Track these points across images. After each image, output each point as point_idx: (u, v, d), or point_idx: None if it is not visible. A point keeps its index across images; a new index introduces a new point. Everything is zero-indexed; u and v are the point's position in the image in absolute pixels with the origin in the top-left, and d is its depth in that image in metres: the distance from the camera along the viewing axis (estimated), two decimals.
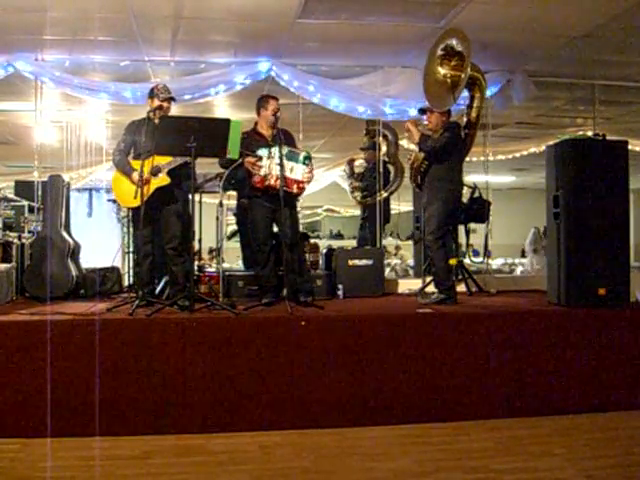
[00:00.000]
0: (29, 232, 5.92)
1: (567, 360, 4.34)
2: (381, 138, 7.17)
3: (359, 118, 6.65)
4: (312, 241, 6.37)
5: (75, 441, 3.69)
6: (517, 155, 9.36)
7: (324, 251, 6.24)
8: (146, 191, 4.49)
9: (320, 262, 6.06)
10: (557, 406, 4.28)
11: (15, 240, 5.56)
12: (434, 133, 5.21)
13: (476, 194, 6.15)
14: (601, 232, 4.60)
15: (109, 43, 5.64)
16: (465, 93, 5.62)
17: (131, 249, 5.62)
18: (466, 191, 5.87)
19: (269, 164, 4.71)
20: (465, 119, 5.88)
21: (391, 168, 7.53)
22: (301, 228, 5.82)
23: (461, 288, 5.79)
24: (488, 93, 6.19)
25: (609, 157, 4.70)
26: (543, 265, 6.33)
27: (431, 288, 5.50)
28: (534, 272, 8.67)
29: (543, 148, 7.27)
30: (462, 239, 6.42)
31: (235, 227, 6.57)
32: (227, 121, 4.43)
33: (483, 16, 5.10)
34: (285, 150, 4.68)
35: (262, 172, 4.71)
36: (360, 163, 8.13)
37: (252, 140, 4.91)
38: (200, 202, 5.64)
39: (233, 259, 8.55)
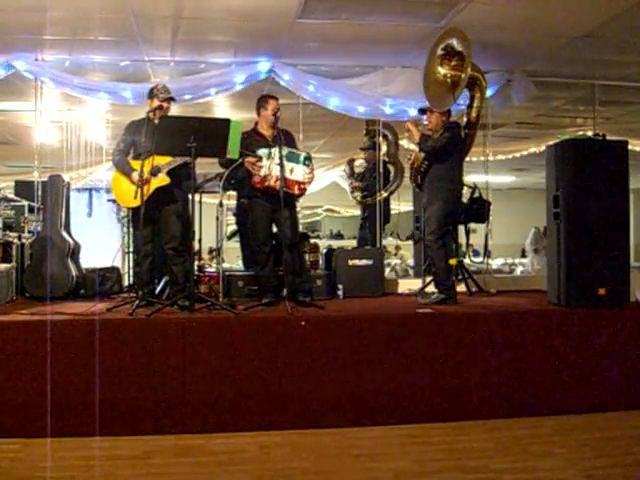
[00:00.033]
0: (29, 232, 5.92)
1: (567, 360, 4.34)
2: (381, 138, 7.17)
3: (359, 118, 6.65)
4: (312, 241, 6.37)
5: (75, 441, 3.70)
6: (517, 155, 9.36)
7: (324, 251, 6.23)
8: (146, 191, 4.49)
9: (320, 262, 6.06)
10: (557, 406, 4.28)
11: (15, 240, 5.56)
12: (434, 133, 5.20)
13: (476, 194, 6.15)
14: (601, 232, 4.60)
15: (109, 43, 5.64)
16: (465, 93, 5.62)
17: (131, 249, 5.62)
18: (466, 191, 5.87)
19: (269, 165, 4.70)
20: (465, 119, 5.88)
21: (391, 168, 7.53)
22: (301, 228, 5.82)
23: (461, 288, 5.79)
24: (488, 93, 6.18)
25: (609, 157, 4.70)
26: (543, 265, 6.33)
27: (431, 288, 5.50)
28: (534, 272, 8.67)
29: (543, 148, 7.26)
30: (462, 239, 6.42)
31: (235, 227, 6.57)
32: (227, 121, 4.43)
33: (483, 16, 5.10)
34: (285, 151, 4.68)
35: (262, 172, 4.71)
36: (360, 163, 8.13)
37: (252, 140, 4.91)
38: (200, 202, 5.64)
39: (233, 259, 8.55)
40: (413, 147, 5.84)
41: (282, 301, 4.54)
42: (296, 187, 4.81)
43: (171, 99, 4.79)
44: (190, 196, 4.64)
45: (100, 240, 7.51)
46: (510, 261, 10.67)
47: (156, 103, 4.72)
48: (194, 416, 3.91)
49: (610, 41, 5.64)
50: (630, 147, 5.11)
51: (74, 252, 5.48)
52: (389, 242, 9.74)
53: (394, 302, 5.47)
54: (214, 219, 5.29)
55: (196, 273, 5.16)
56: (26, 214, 6.02)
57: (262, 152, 4.71)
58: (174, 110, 5.10)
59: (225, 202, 5.47)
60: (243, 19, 5.20)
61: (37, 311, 4.42)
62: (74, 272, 5.30)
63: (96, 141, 8.53)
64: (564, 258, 4.63)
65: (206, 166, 5.67)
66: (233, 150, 4.44)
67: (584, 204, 4.61)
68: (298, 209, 5.57)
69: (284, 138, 4.80)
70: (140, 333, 3.96)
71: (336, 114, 6.53)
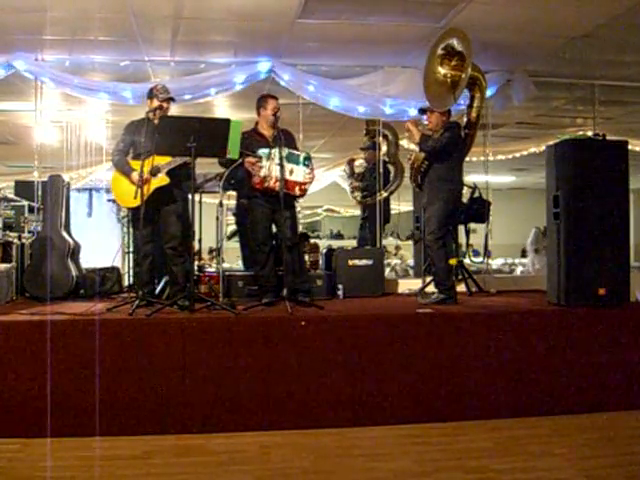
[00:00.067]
0: (29, 232, 5.92)
1: (567, 360, 4.34)
2: (381, 138, 7.17)
3: (359, 118, 6.65)
4: (312, 241, 6.38)
5: (75, 441, 3.70)
6: (517, 155, 9.36)
7: (324, 251, 6.24)
8: (146, 191, 4.48)
9: (320, 262, 6.06)
10: (557, 406, 4.28)
11: (15, 240, 5.56)
12: (434, 133, 5.20)
13: (476, 194, 6.16)
14: (601, 232, 4.60)
15: (109, 43, 5.64)
16: (465, 93, 5.61)
17: (131, 249, 5.62)
18: (466, 191, 5.87)
19: (269, 165, 4.70)
20: (465, 119, 5.88)
21: (391, 168, 7.53)
22: (301, 228, 5.82)
23: (461, 288, 5.79)
24: (488, 93, 6.18)
25: (609, 157, 4.70)
26: (543, 265, 6.33)
27: (431, 288, 5.50)
28: (534, 272, 8.67)
29: (543, 148, 7.26)
30: (462, 239, 6.42)
31: (235, 227, 6.57)
32: (227, 121, 4.43)
33: (483, 16, 5.10)
34: (285, 152, 4.68)
35: (262, 173, 4.70)
36: (360, 163, 8.13)
37: (253, 140, 4.91)
38: (200, 202, 5.64)
39: (233, 259, 8.55)
40: (413, 147, 5.84)
41: (282, 301, 4.53)
42: (297, 188, 4.81)
43: (171, 99, 4.79)
44: (190, 196, 4.64)
45: (100, 240, 7.50)
46: (510, 261, 10.68)
47: (156, 103, 4.72)
48: (194, 416, 3.91)
49: (610, 41, 5.64)
50: (630, 147, 5.11)
51: (74, 252, 5.48)
52: (389, 242, 9.75)
53: (394, 302, 5.47)
54: (214, 219, 5.29)
55: (196, 273, 5.16)
56: (26, 214, 6.01)
57: (262, 152, 4.71)
58: (174, 110, 5.10)
59: (225, 202, 5.47)
60: (243, 19, 5.20)
61: (37, 311, 4.42)
62: (74, 272, 5.30)
63: (96, 141, 8.53)
64: (564, 258, 4.63)
65: (206, 166, 5.67)
66: (233, 150, 4.44)
67: (584, 204, 4.61)
68: (298, 209, 5.57)
69: (284, 138, 4.80)
70: (140, 333, 3.96)
71: (336, 114, 6.53)
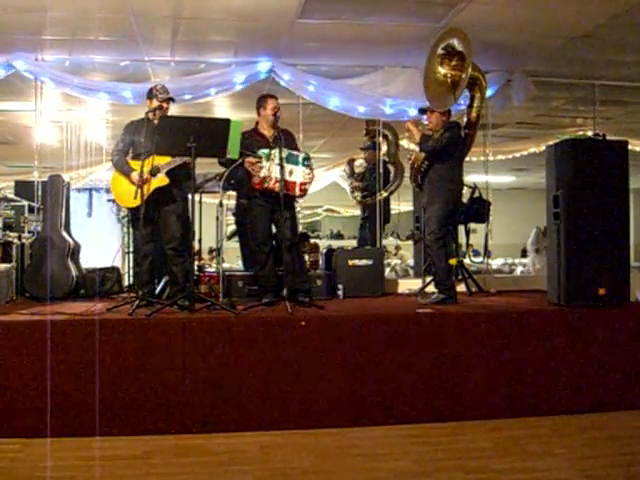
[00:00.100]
0: (29, 232, 5.91)
1: (567, 360, 4.34)
2: (381, 138, 7.17)
3: (359, 118, 6.65)
4: (312, 241, 6.38)
5: (75, 441, 3.70)
6: (517, 155, 9.37)
7: (324, 251, 6.24)
8: (145, 191, 4.48)
9: (320, 262, 6.07)
10: (557, 406, 4.28)
11: (15, 240, 5.55)
12: (434, 133, 5.20)
13: (476, 194, 6.15)
14: (601, 232, 4.60)
15: (109, 43, 5.64)
16: (465, 93, 5.61)
17: (131, 249, 5.62)
18: (466, 191, 5.87)
19: (269, 166, 4.70)
20: (465, 119, 5.88)
21: (391, 168, 7.54)
22: (301, 228, 5.82)
23: (461, 288, 5.79)
24: (488, 93, 6.18)
25: (609, 157, 4.70)
26: (544, 265, 6.34)
27: (431, 288, 5.50)
28: (535, 272, 8.67)
29: (543, 148, 7.26)
30: (462, 239, 6.42)
31: (235, 227, 6.57)
32: (227, 121, 4.43)
33: (483, 16, 5.10)
34: (285, 153, 4.68)
35: (262, 174, 4.70)
36: (360, 163, 8.13)
37: (253, 140, 4.91)
38: (200, 202, 5.64)
39: (233, 259, 8.55)
40: (413, 147, 5.84)
41: (282, 301, 4.53)
42: (297, 188, 4.80)
43: (170, 99, 4.79)
44: (190, 196, 4.64)
45: (100, 240, 7.51)
46: (510, 261, 10.68)
47: (155, 103, 4.71)
48: (194, 416, 3.91)
49: (610, 41, 5.64)
50: (630, 147, 5.11)
51: (74, 252, 5.48)
52: (389, 242, 9.75)
53: (394, 302, 5.47)
54: (214, 219, 5.28)
55: (196, 273, 5.16)
56: (26, 214, 6.02)
57: (262, 153, 4.71)
58: (174, 110, 5.09)
59: (225, 202, 5.47)
60: (243, 19, 5.20)
61: (37, 311, 4.42)
62: (74, 272, 5.30)
63: (96, 141, 8.53)
64: (564, 258, 4.63)
65: (206, 166, 5.67)
66: (233, 150, 4.44)
67: (584, 204, 4.61)
68: (298, 209, 5.57)
69: (285, 138, 4.80)
70: (140, 333, 3.96)
71: (336, 114, 6.53)
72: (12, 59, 5.72)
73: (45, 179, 5.70)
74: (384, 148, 7.39)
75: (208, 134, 4.35)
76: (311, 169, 4.85)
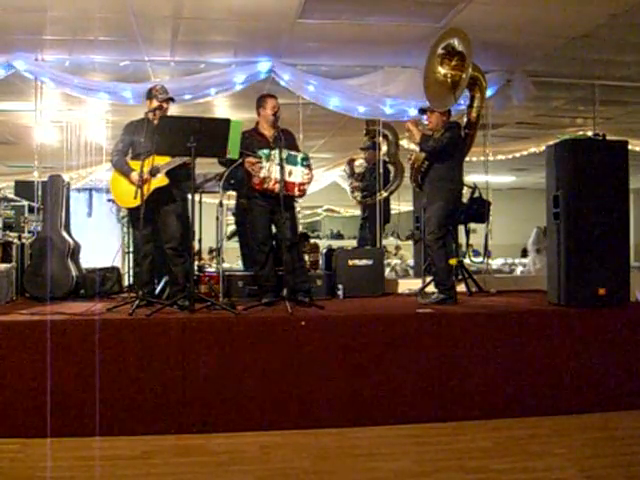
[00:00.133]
0: (29, 232, 5.92)
1: (567, 360, 4.34)
2: (381, 138, 7.17)
3: (359, 118, 6.65)
4: (312, 241, 6.38)
5: (75, 441, 3.70)
6: (517, 155, 9.37)
7: (324, 251, 6.23)
8: (145, 191, 4.48)
9: (320, 262, 6.06)
10: (557, 406, 4.28)
11: (15, 240, 5.56)
12: (435, 133, 5.20)
13: (476, 194, 6.15)
14: (601, 232, 4.60)
15: (109, 43, 5.64)
16: (465, 93, 5.61)
17: (131, 249, 5.62)
18: (466, 191, 5.87)
19: (268, 167, 4.70)
20: (465, 119, 5.88)
21: (391, 168, 7.54)
22: (301, 228, 5.82)
23: (461, 288, 5.79)
24: (488, 93, 6.18)
25: (609, 157, 4.70)
26: (544, 265, 6.34)
27: (431, 288, 5.50)
28: (535, 272, 8.67)
29: (543, 148, 7.26)
30: (462, 239, 6.42)
31: (235, 227, 6.57)
32: (227, 121, 4.43)
33: (483, 16, 5.10)
34: (285, 154, 4.68)
35: (262, 174, 4.70)
36: (360, 163, 8.13)
37: (253, 140, 4.91)
38: (200, 202, 5.64)
39: (233, 259, 8.55)
40: (413, 147, 5.84)
41: (282, 301, 4.53)
42: (296, 189, 4.80)
43: (170, 99, 4.79)
44: (190, 196, 4.64)
45: (100, 240, 7.51)
46: (510, 261, 10.67)
47: (155, 104, 4.71)
48: (194, 416, 3.91)
49: (610, 41, 5.64)
50: (630, 147, 5.11)
51: (74, 252, 5.48)
52: (389, 242, 9.75)
53: (394, 302, 5.47)
54: (214, 219, 5.28)
55: (196, 273, 5.16)
56: (26, 214, 6.02)
57: (262, 153, 4.71)
58: (174, 110, 5.09)
59: (225, 202, 5.47)
60: (243, 19, 5.20)
61: (37, 311, 4.42)
62: (74, 272, 5.30)
63: (96, 141, 8.53)
64: (564, 258, 4.63)
65: (206, 166, 5.67)
66: (233, 150, 4.44)
67: (584, 204, 4.61)
68: (298, 209, 5.56)
69: (285, 138, 4.81)
70: (140, 333, 3.96)
71: (336, 114, 6.53)
72: (12, 59, 5.72)
73: (45, 179, 5.69)
74: (384, 148, 7.39)
75: (208, 134, 4.35)
76: (310, 169, 4.85)
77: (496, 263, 9.56)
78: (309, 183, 4.89)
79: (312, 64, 6.23)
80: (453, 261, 5.41)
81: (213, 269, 5.84)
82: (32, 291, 5.21)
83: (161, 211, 4.70)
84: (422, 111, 5.44)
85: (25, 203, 6.09)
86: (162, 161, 4.56)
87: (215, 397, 3.95)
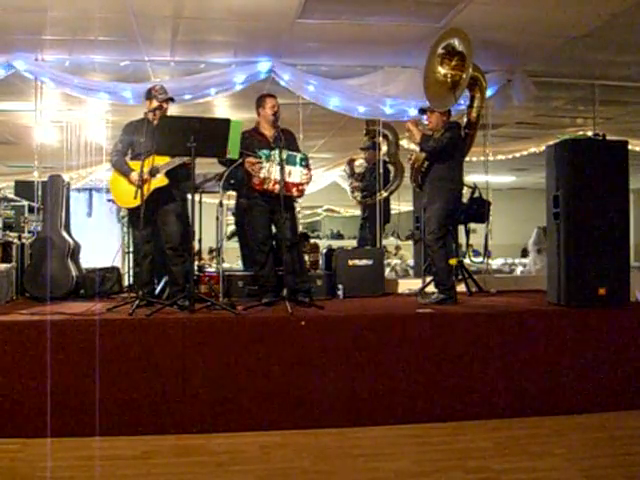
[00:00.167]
0: (29, 232, 5.92)
1: (567, 360, 4.34)
2: (381, 138, 7.17)
3: (359, 118, 6.65)
4: (312, 241, 6.38)
5: (75, 441, 3.70)
6: (517, 155, 9.36)
7: (324, 251, 6.23)
8: (145, 191, 4.48)
9: (320, 262, 6.06)
10: (557, 406, 4.28)
11: (15, 240, 5.56)
12: (435, 133, 5.20)
13: (476, 194, 6.15)
14: (601, 232, 4.60)
15: (109, 43, 5.64)
16: (465, 93, 5.61)
17: (131, 249, 5.62)
18: (466, 191, 5.87)
19: (268, 167, 4.70)
20: (465, 119, 5.88)
21: (391, 168, 7.54)
22: (301, 228, 5.82)
23: (461, 288, 5.79)
24: (488, 93, 6.18)
25: (609, 157, 4.70)
26: (544, 265, 6.34)
27: (431, 288, 5.50)
28: (535, 272, 8.66)
29: (543, 148, 7.26)
30: (462, 239, 6.42)
31: (235, 227, 6.57)
32: (227, 121, 4.43)
33: (483, 16, 5.10)
34: (285, 154, 4.68)
35: (262, 174, 4.70)
36: (360, 163, 8.14)
37: (254, 140, 4.92)
38: (200, 202, 5.64)
39: (233, 259, 8.55)
40: (413, 147, 5.84)
41: (282, 301, 4.53)
42: (294, 189, 4.81)
43: (170, 99, 4.79)
44: (189, 196, 4.64)
45: (100, 240, 7.51)
46: (510, 261, 10.67)
47: (155, 104, 4.71)
48: (194, 416, 3.91)
49: (610, 41, 5.64)
50: (630, 147, 5.11)
51: (74, 252, 5.48)
52: (389, 242, 9.75)
53: (394, 302, 5.47)
54: (214, 219, 5.29)
55: (196, 273, 5.16)
56: (26, 214, 6.02)
57: (262, 153, 4.71)
58: (174, 110, 5.09)
59: (225, 202, 5.47)
60: (243, 19, 5.20)
61: (37, 311, 4.42)
62: (74, 272, 5.30)
63: (96, 141, 8.52)
64: (564, 258, 4.63)
65: (206, 166, 5.67)
66: (233, 150, 4.44)
67: (584, 204, 4.61)
68: (298, 209, 5.56)
69: (285, 138, 4.81)
70: (140, 333, 3.96)
71: (336, 114, 6.53)
72: (12, 59, 5.72)
73: (45, 179, 5.69)
74: (384, 148, 7.39)
75: (208, 134, 4.35)
76: (308, 169, 4.85)
77: (496, 263, 9.56)
78: (307, 183, 4.89)
79: (312, 64, 6.23)
80: (453, 261, 5.41)
81: (213, 269, 5.84)
82: (32, 291, 5.21)
83: (161, 211, 4.70)
84: (422, 111, 5.44)
85: (25, 203, 6.09)
86: (162, 161, 4.56)
87: (215, 397, 3.95)
